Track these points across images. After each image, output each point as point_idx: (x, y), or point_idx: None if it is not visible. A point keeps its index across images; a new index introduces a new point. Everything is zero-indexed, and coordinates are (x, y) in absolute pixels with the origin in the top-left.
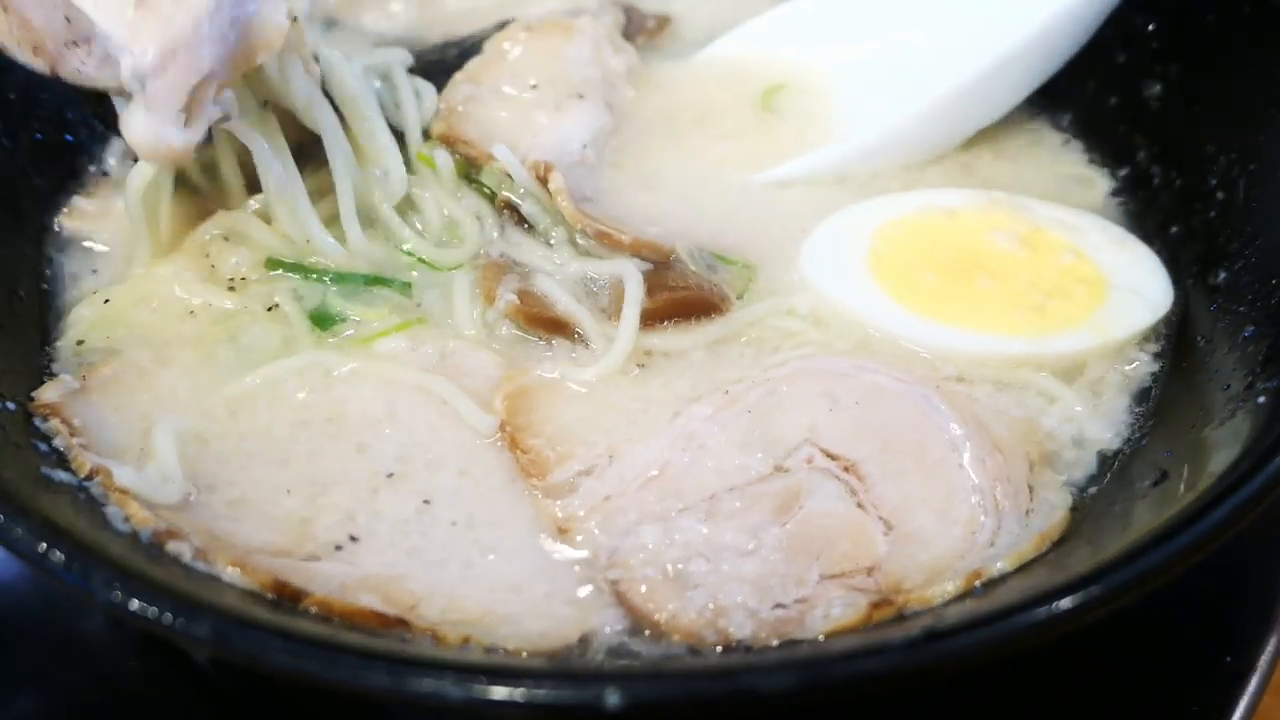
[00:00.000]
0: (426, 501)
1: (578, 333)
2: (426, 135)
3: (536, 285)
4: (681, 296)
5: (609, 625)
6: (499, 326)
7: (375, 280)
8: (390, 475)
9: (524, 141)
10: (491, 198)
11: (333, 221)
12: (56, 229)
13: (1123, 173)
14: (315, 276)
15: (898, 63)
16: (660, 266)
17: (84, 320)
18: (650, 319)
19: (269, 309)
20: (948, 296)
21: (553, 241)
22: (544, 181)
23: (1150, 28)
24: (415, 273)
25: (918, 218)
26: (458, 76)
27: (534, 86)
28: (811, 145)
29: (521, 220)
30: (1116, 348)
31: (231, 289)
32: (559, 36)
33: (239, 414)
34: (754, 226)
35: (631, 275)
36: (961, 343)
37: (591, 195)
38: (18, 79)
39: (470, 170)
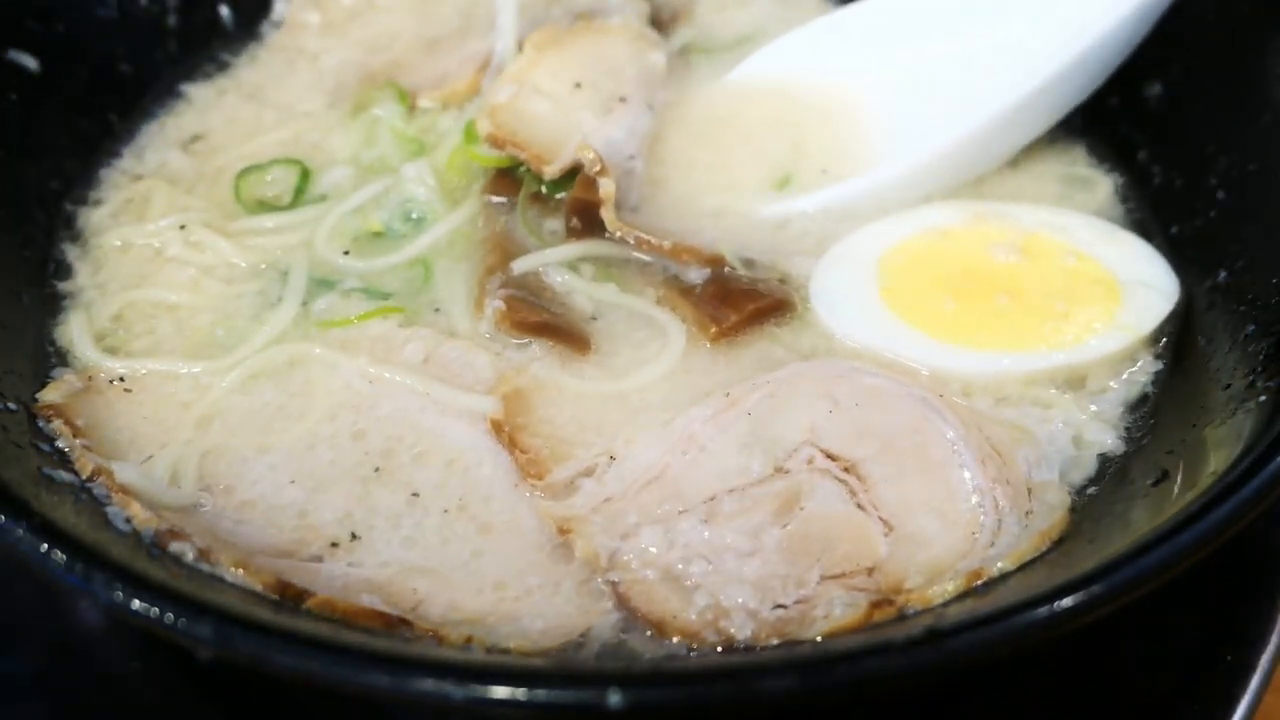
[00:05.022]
0: (416, 494)
1: (579, 337)
2: None
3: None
4: (765, 304)
5: (610, 625)
6: (493, 333)
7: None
8: (381, 471)
9: (574, 140)
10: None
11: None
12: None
13: (1123, 173)
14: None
15: (942, 84)
16: (718, 275)
17: (86, 321)
18: (737, 329)
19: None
20: (972, 321)
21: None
22: (594, 183)
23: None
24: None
25: (915, 244)
26: (498, 78)
27: (578, 86)
28: (849, 173)
29: (586, 234)
30: (1131, 349)
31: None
32: (594, 37)
33: (238, 413)
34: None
35: (675, 336)
36: (1000, 365)
37: (636, 204)
38: (21, 79)
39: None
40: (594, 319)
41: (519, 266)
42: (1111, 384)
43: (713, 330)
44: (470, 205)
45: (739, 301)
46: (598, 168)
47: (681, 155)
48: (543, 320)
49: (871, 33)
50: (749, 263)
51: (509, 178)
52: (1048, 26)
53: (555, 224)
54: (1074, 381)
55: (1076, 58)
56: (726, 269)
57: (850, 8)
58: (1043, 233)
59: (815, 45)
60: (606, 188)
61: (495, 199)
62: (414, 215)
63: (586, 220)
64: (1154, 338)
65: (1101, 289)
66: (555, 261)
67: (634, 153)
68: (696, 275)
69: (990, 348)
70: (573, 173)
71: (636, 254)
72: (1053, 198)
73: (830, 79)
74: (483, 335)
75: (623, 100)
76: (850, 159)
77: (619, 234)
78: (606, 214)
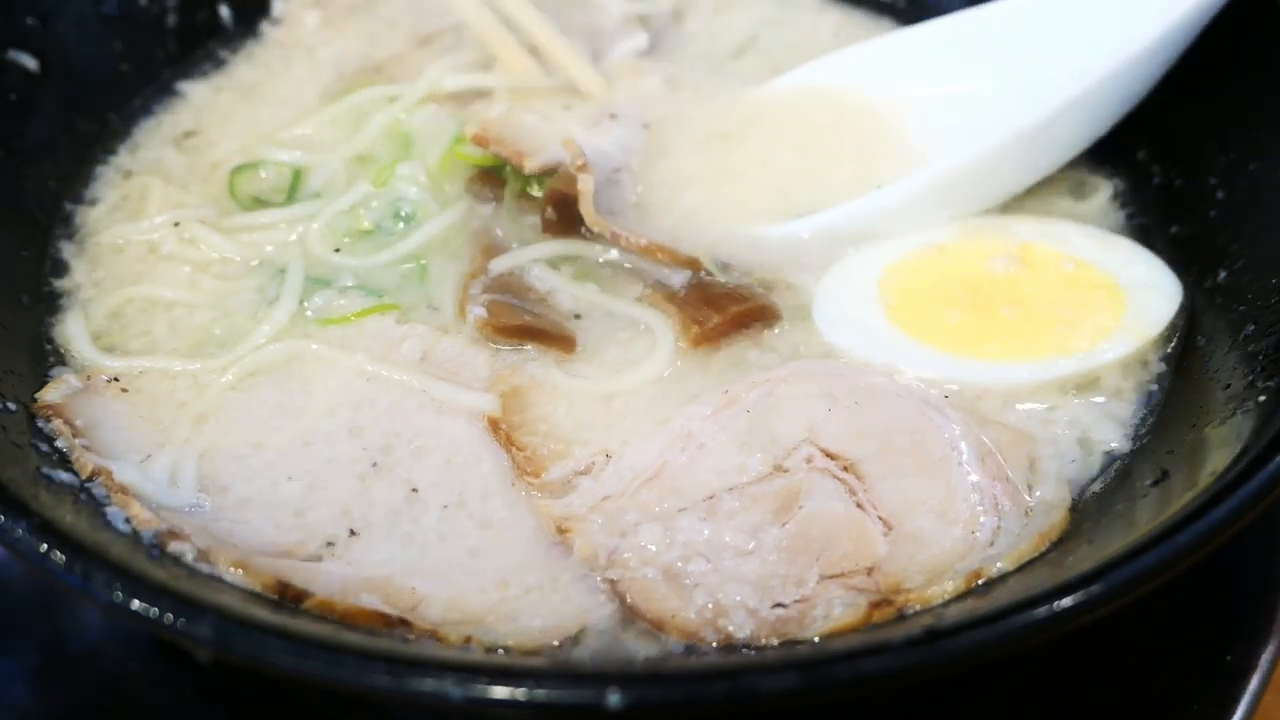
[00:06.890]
0: (415, 490)
1: (563, 337)
2: None
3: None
4: (747, 308)
5: (608, 624)
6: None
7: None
8: (378, 467)
9: (557, 144)
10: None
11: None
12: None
13: (1123, 173)
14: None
15: (968, 108)
16: (698, 280)
17: (83, 320)
18: (720, 332)
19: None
20: (980, 333)
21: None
22: (574, 178)
23: None
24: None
25: (912, 260)
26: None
27: (567, 108)
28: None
29: (563, 228)
30: (1141, 351)
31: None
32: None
33: (236, 411)
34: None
35: (663, 334)
36: (1016, 375)
37: (619, 211)
38: (19, 79)
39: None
40: (577, 317)
41: (496, 266)
42: (1119, 385)
43: (695, 331)
44: (462, 205)
45: (721, 303)
46: (580, 162)
47: (682, 170)
48: (524, 324)
49: (899, 60)
50: (725, 267)
51: (495, 177)
52: (1072, 60)
53: (535, 218)
54: (1084, 385)
55: (1104, 79)
56: (703, 273)
57: (876, 41)
58: (1039, 242)
59: (840, 69)
60: (585, 183)
61: (481, 195)
62: (404, 212)
63: (563, 213)
64: (1163, 339)
65: (1104, 293)
66: (532, 259)
67: (621, 166)
68: (678, 279)
69: (1002, 358)
70: (555, 173)
71: (614, 254)
72: (1055, 200)
73: (851, 98)
74: (469, 338)
75: (613, 117)
76: (875, 179)
77: (596, 229)
78: (585, 208)
